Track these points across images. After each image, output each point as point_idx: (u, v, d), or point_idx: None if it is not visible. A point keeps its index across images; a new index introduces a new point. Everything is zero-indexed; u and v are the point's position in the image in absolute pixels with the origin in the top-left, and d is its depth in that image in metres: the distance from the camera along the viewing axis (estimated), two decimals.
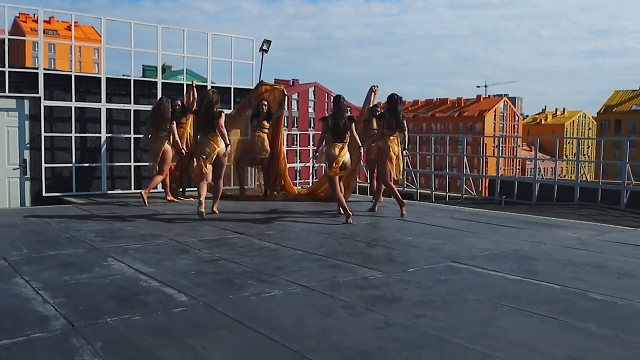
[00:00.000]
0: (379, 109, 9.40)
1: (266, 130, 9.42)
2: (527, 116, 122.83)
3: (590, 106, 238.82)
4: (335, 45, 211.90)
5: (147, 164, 9.98)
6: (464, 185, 14.65)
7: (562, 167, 65.43)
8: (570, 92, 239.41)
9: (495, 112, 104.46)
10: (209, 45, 11.14)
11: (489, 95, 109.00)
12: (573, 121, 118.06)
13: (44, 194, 9.33)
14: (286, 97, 9.65)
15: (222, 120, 7.28)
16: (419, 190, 15.90)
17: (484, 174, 16.47)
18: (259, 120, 9.35)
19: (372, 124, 9.30)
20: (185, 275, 4.25)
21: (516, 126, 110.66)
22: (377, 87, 9.64)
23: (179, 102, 9.21)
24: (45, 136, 9.29)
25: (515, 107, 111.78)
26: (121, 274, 4.30)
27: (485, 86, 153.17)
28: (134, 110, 9.91)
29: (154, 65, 14.03)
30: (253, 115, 9.48)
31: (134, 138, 10.15)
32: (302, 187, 9.75)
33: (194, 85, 9.79)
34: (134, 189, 10.37)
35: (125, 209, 8.13)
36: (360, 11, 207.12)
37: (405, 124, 7.91)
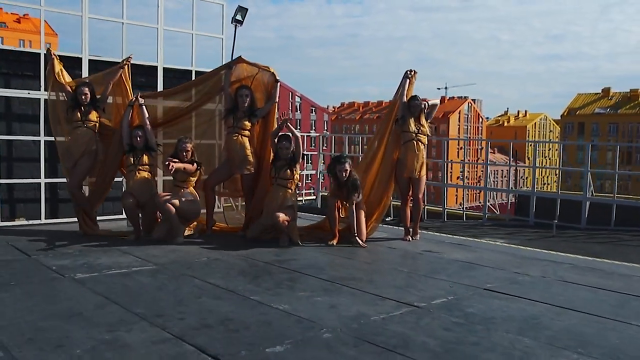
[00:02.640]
0: (418, 102, 6.31)
1: (247, 133, 6.19)
2: (489, 118, 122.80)
3: (547, 109, 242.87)
4: (297, 45, 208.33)
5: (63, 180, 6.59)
6: (487, 203, 11.72)
7: (524, 171, 62.48)
8: (527, 95, 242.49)
9: (459, 113, 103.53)
10: (160, 10, 7.84)
11: (453, 97, 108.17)
12: (535, 123, 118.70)
13: None
14: (278, 83, 6.39)
15: None
16: (426, 207, 12.87)
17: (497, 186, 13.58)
18: (237, 118, 6.10)
19: (409, 124, 6.20)
20: None
21: (480, 128, 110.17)
22: (415, 72, 6.51)
23: (86, 91, 6.02)
24: None
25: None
26: None
27: (446, 88, 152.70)
28: (47, 100, 6.42)
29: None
30: (228, 111, 6.21)
31: (45, 141, 6.75)
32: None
33: (129, 60, 6.52)
34: (46, 219, 6.95)
35: (15, 264, 4.74)
36: (322, 12, 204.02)
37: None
